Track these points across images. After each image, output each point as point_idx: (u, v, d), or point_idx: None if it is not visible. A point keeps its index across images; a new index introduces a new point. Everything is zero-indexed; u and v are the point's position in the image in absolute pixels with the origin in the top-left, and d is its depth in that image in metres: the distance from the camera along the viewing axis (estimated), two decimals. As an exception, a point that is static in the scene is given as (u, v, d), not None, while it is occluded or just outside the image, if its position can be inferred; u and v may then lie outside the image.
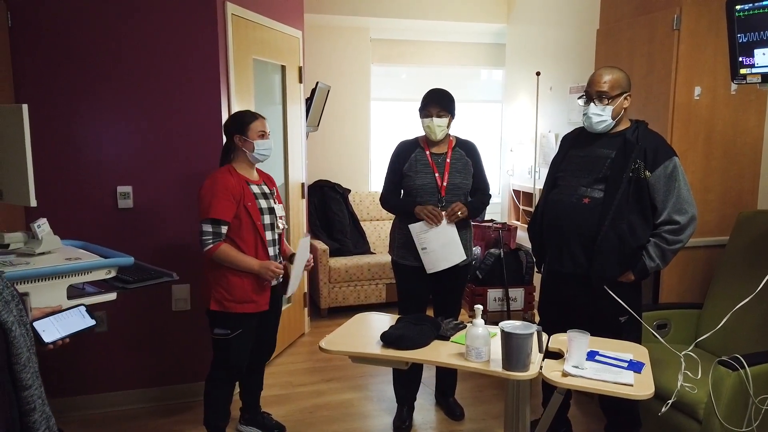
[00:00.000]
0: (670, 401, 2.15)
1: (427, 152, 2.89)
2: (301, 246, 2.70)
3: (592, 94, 2.43)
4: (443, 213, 2.77)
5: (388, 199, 2.99)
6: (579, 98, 2.52)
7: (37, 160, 2.07)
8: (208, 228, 2.48)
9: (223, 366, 2.65)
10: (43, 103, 2.90)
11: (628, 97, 2.44)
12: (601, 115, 2.42)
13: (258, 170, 2.73)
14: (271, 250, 2.64)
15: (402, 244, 2.91)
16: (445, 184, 2.84)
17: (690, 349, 2.30)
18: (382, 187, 3.03)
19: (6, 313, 1.13)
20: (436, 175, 2.84)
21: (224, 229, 2.51)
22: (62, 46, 2.91)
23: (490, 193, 3.03)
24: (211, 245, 2.48)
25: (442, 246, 2.79)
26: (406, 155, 2.91)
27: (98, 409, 3.14)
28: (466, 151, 2.94)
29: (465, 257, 2.87)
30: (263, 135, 2.60)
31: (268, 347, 2.91)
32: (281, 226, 2.71)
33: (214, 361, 2.67)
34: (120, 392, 3.19)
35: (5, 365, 1.13)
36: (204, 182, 2.55)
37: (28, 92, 2.88)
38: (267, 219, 2.62)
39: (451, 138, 2.94)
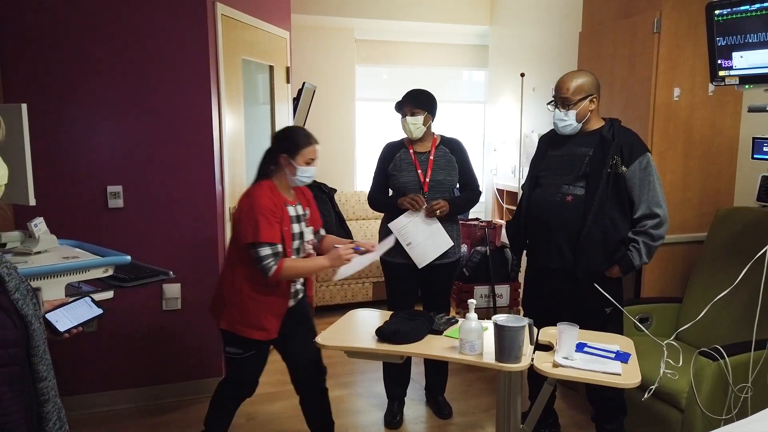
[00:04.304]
0: (653, 387, 2.23)
1: (411, 151, 2.96)
2: (387, 242, 2.64)
3: (557, 99, 2.53)
4: (424, 202, 2.84)
5: (375, 198, 3.06)
6: (548, 104, 2.60)
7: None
8: (266, 251, 2.27)
9: (232, 382, 2.54)
10: (33, 103, 2.83)
11: (594, 99, 2.51)
12: (565, 120, 2.52)
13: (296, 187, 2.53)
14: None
15: None
16: (427, 180, 2.90)
17: (671, 338, 2.38)
18: (369, 188, 3.10)
19: (26, 306, 1.16)
20: (419, 172, 2.91)
21: (280, 248, 2.32)
22: (51, 45, 2.90)
23: (480, 190, 3.09)
24: (275, 267, 2.28)
25: (425, 238, 2.86)
26: (391, 155, 3.00)
27: (87, 410, 3.14)
28: (451, 148, 3.00)
29: (452, 243, 2.93)
30: (311, 162, 2.40)
31: (315, 367, 2.58)
32: (308, 250, 2.52)
33: (226, 375, 2.59)
34: (109, 392, 3.19)
35: (25, 357, 1.16)
36: (241, 202, 2.36)
37: (18, 92, 2.86)
38: (296, 244, 2.43)
39: (435, 136, 3.01)
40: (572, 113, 2.49)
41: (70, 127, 2.99)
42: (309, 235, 2.51)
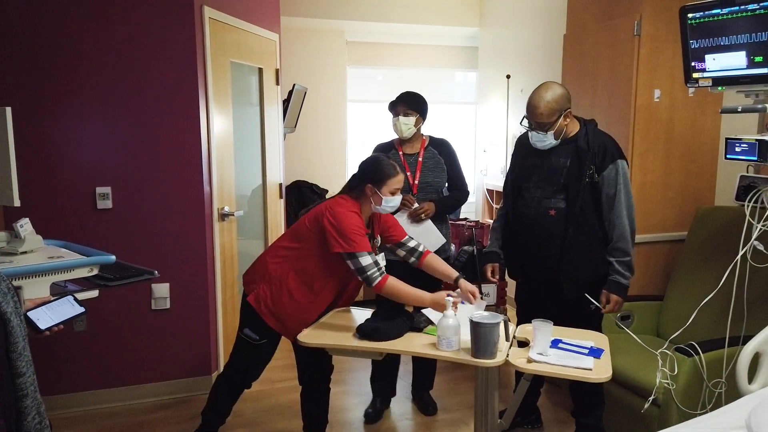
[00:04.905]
0: (651, 398, 2.29)
1: (400, 153, 3.01)
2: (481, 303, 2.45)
3: (531, 123, 2.51)
4: (414, 201, 2.91)
5: None
6: (521, 122, 2.57)
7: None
8: (367, 260, 2.28)
9: (235, 368, 2.56)
10: (20, 105, 2.90)
11: (568, 114, 2.50)
12: (545, 140, 2.51)
13: None
14: (334, 297, 2.51)
15: None
16: (416, 182, 2.96)
17: (665, 347, 2.40)
18: None
19: (5, 303, 1.20)
20: (408, 174, 2.95)
21: (376, 256, 2.37)
22: (39, 48, 2.94)
23: (468, 190, 3.11)
24: (380, 277, 2.29)
25: (417, 236, 2.87)
26: None
27: (77, 408, 3.18)
28: (439, 149, 3.05)
29: (444, 240, 2.98)
30: (395, 192, 2.42)
31: (324, 364, 2.64)
32: None
33: (230, 361, 2.59)
34: (99, 391, 3.23)
35: (3, 354, 1.21)
36: (329, 208, 2.34)
37: (5, 94, 2.90)
38: None
39: (424, 138, 3.06)
40: (550, 133, 2.49)
41: (58, 129, 3.02)
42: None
